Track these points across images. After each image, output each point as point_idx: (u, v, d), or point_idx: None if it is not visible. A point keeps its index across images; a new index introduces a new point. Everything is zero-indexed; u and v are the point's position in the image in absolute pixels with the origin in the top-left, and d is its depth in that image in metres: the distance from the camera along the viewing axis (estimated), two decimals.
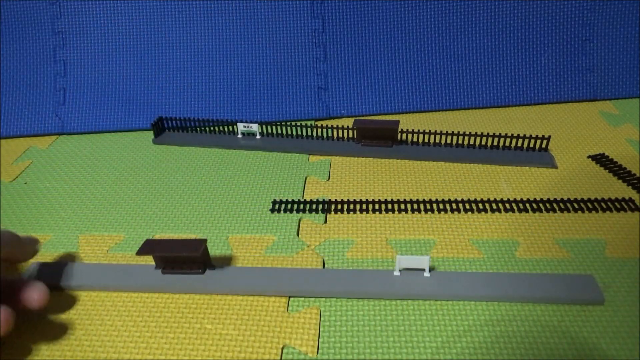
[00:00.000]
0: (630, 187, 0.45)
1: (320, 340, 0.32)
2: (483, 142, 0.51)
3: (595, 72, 0.62)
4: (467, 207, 0.43)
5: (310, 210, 0.44)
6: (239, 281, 0.36)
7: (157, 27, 0.61)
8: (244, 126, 0.54)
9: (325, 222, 0.43)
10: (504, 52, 0.62)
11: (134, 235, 0.42)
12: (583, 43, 0.62)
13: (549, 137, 0.50)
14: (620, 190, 0.45)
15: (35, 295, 0.31)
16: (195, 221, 0.43)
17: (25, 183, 0.51)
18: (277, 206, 0.45)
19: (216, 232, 0.42)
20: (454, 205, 0.44)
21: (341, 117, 0.61)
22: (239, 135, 0.55)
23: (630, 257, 0.37)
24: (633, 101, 0.61)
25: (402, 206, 0.44)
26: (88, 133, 0.61)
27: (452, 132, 0.51)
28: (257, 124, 0.54)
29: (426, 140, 0.53)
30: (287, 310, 0.34)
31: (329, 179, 0.49)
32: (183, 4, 0.61)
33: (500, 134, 0.50)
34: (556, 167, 0.48)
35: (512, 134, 0.50)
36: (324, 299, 0.35)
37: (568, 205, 0.43)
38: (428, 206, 0.44)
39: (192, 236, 0.42)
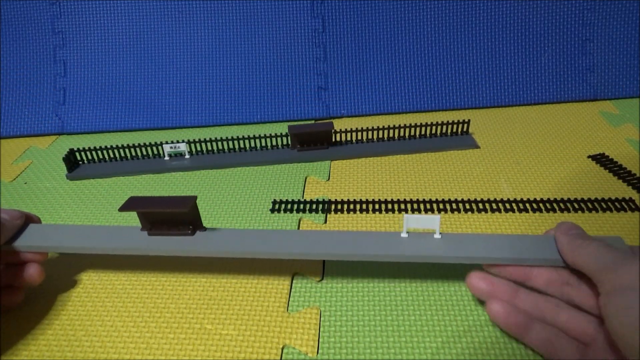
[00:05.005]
0: (630, 187, 0.45)
1: (320, 340, 0.32)
2: (413, 133, 0.54)
3: (595, 72, 0.62)
4: (467, 207, 0.43)
5: (310, 210, 0.44)
6: (232, 243, 0.33)
7: (157, 27, 0.62)
8: (171, 147, 0.52)
9: (325, 222, 0.43)
10: (504, 52, 0.62)
11: None
12: (583, 43, 0.62)
13: (469, 120, 0.54)
14: (620, 190, 0.45)
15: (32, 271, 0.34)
16: None
17: (25, 183, 0.51)
18: (277, 206, 0.45)
19: None
20: (454, 205, 0.44)
21: (341, 117, 0.61)
22: (166, 158, 0.52)
23: None
24: (633, 101, 0.61)
25: (402, 206, 0.44)
26: (88, 133, 0.61)
27: (381, 127, 0.53)
28: (185, 143, 0.51)
29: (359, 137, 0.54)
30: (287, 310, 0.34)
31: (329, 179, 0.49)
32: (183, 4, 0.61)
33: (427, 123, 0.53)
34: (478, 147, 0.53)
35: (437, 122, 0.53)
36: (324, 299, 0.35)
37: (568, 205, 0.43)
38: (428, 206, 0.44)
39: None
